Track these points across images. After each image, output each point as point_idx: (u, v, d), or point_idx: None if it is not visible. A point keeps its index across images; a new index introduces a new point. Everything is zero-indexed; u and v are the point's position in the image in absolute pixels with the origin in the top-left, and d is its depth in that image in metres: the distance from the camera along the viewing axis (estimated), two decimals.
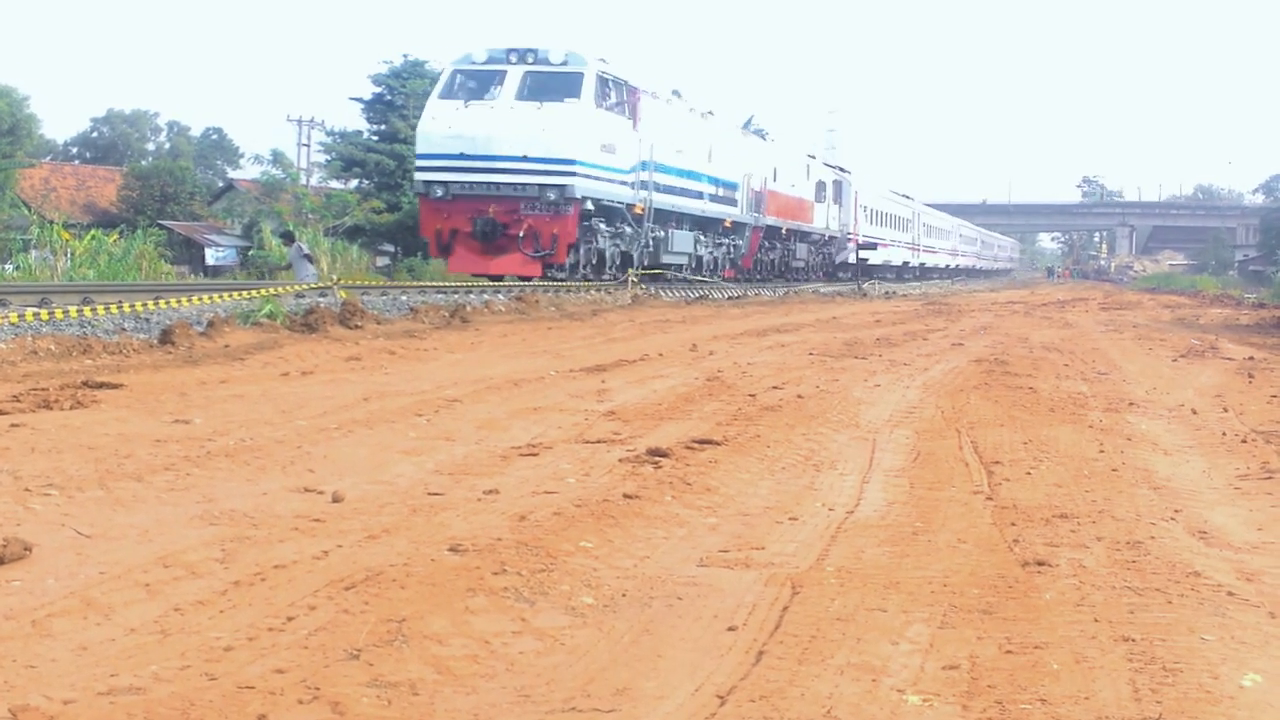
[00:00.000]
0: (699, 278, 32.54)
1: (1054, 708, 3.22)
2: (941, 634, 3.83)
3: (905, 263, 66.39)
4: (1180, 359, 14.50)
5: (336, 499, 5.42)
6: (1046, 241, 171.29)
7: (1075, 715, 3.18)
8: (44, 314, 11.63)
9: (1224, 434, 8.19)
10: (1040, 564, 4.65)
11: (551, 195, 23.77)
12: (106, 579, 4.12)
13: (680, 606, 4.09)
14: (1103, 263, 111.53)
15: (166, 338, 11.26)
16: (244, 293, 15.62)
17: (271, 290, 15.78)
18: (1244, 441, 7.86)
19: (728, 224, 34.30)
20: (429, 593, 4.05)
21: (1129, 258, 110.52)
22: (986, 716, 3.17)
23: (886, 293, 42.44)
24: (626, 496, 5.59)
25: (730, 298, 29.58)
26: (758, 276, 39.06)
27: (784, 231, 40.74)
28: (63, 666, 3.35)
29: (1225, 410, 9.48)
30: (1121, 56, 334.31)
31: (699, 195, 31.66)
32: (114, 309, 12.84)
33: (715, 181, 32.85)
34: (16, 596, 3.91)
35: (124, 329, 11.73)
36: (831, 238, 48.16)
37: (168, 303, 13.93)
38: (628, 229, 27.56)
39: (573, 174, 23.94)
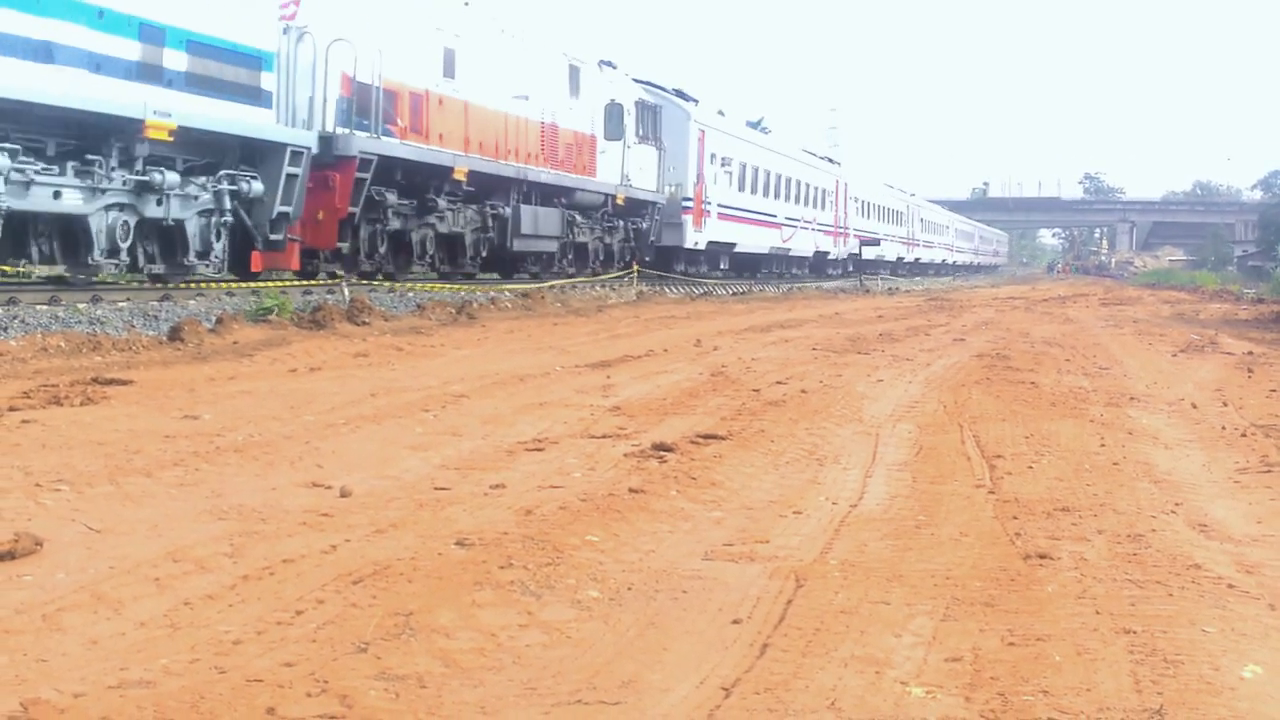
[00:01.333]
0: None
1: (1056, 699, 3.23)
2: (944, 626, 3.85)
3: (821, 251, 48.35)
4: (1180, 354, 14.52)
5: (344, 494, 5.44)
6: (1047, 238, 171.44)
7: (1077, 706, 3.19)
8: (55, 311, 11.68)
9: (1224, 428, 8.21)
10: (1042, 557, 4.67)
11: None
12: (116, 573, 4.14)
13: (685, 600, 4.10)
14: (1103, 259, 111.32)
15: (175, 334, 11.31)
16: (252, 290, 15.65)
17: (279, 287, 15.82)
18: (1243, 435, 7.89)
19: (166, 133, 13.89)
20: (436, 586, 4.06)
21: (1129, 254, 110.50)
22: (989, 708, 3.18)
23: (889, 289, 42.85)
24: (632, 491, 5.61)
25: (734, 294, 29.68)
26: (365, 263, 18.86)
27: (465, 178, 20.45)
28: (73, 660, 3.37)
29: (1225, 405, 9.50)
30: (1121, 55, 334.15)
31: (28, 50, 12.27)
32: (123, 306, 12.88)
33: (128, 26, 13.49)
34: (27, 591, 3.92)
35: (133, 326, 11.78)
36: (639, 203, 28.65)
37: (176, 300, 13.96)
38: None
39: None
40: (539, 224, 23.46)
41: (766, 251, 40.45)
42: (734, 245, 36.73)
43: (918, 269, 68.98)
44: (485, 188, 21.67)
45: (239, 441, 6.58)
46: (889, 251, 59.61)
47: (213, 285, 15.68)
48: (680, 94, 33.41)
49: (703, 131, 33.18)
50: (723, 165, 35.18)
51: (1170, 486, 6.22)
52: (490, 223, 22.11)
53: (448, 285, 20.15)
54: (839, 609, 4.00)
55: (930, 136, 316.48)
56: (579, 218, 25.87)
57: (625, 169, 27.66)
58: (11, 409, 7.24)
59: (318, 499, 5.38)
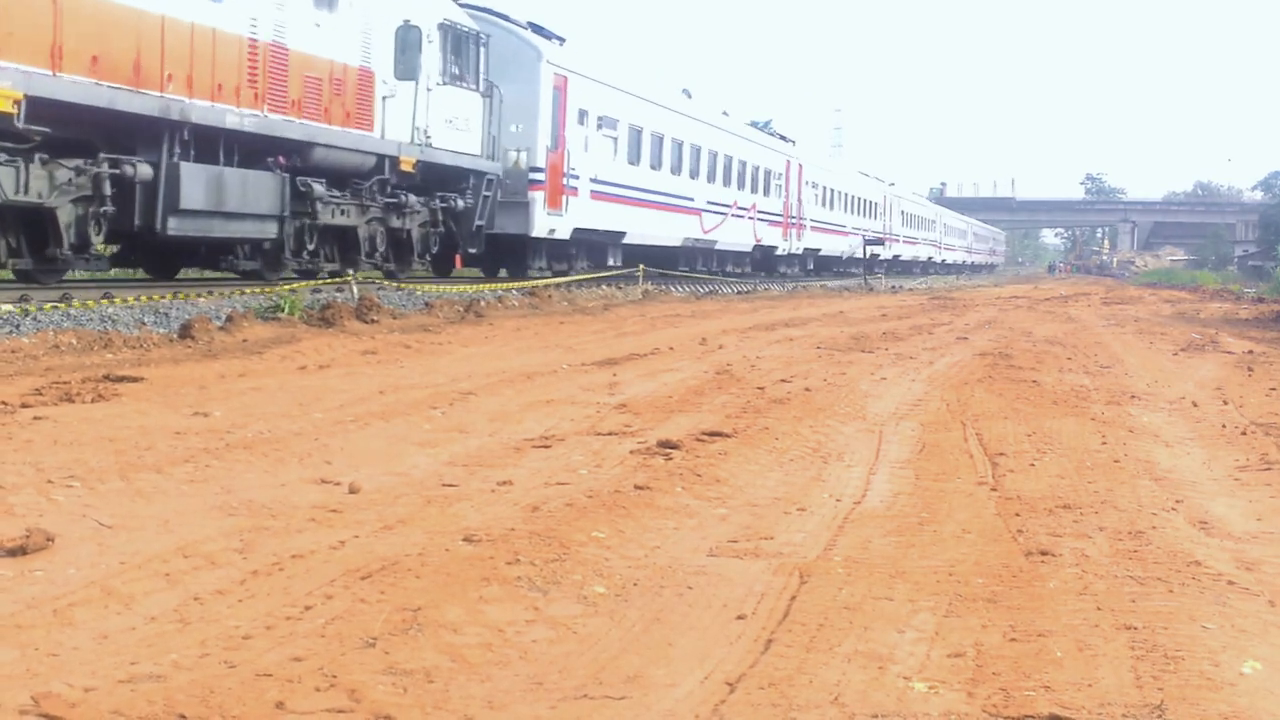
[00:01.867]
0: None
1: (1057, 694, 3.25)
2: (947, 622, 3.87)
3: (765, 245, 39.10)
4: (1181, 353, 14.56)
5: (353, 490, 5.48)
6: (1050, 237, 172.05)
7: (1078, 702, 3.20)
8: (65, 308, 11.71)
9: (1224, 426, 8.25)
10: (1044, 553, 4.69)
11: None
12: (127, 568, 4.16)
13: (690, 595, 4.13)
14: (1105, 258, 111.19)
15: (186, 332, 11.34)
16: (262, 288, 15.71)
17: (289, 285, 15.88)
18: (1243, 433, 7.92)
19: None
20: (444, 582, 4.09)
21: (1131, 253, 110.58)
22: (991, 703, 3.20)
23: (893, 287, 42.90)
24: (638, 487, 5.64)
25: (739, 293, 30.00)
26: None
27: (17, 112, 11.42)
28: (84, 654, 3.38)
29: (1225, 403, 9.53)
30: (1123, 56, 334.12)
31: None
32: (134, 302, 12.92)
33: None
34: (39, 586, 3.94)
35: (144, 323, 11.81)
36: (452, 172, 20.11)
37: (187, 297, 14.00)
38: None
39: None
40: (228, 194, 14.80)
41: (678, 244, 31.28)
42: (622, 235, 27.26)
43: (897, 266, 60.36)
44: (109, 133, 13.40)
45: (249, 438, 6.62)
46: (831, 245, 48.37)
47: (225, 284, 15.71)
48: (536, 28, 24.05)
49: (563, 79, 23.59)
50: (600, 127, 25.71)
51: (1171, 484, 6.25)
52: (111, 190, 13.32)
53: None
54: (842, 605, 4.03)
55: (935, 137, 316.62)
56: (323, 189, 16.90)
57: (422, 121, 18.93)
58: (24, 405, 7.28)
59: (326, 495, 5.41)
